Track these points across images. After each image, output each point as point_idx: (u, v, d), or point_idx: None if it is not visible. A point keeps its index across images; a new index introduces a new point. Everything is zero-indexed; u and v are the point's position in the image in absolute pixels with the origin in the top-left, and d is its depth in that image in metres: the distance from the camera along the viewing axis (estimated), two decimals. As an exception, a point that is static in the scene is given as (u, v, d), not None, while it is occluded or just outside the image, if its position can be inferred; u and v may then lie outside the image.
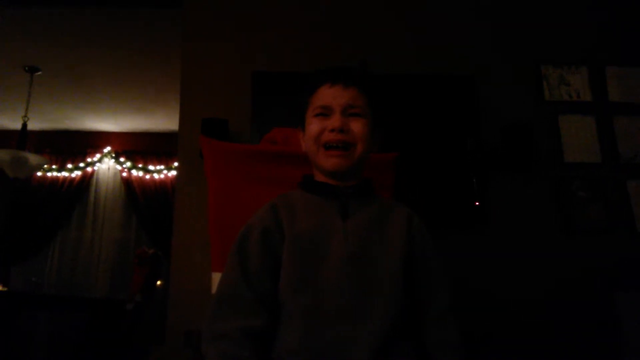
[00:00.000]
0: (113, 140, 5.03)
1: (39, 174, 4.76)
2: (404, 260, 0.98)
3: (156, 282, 4.02)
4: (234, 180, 1.36)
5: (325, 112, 1.03)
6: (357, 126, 1.02)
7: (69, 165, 4.85)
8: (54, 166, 4.82)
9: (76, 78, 3.90)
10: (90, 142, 4.99)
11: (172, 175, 4.77)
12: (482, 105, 2.27)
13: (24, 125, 3.79)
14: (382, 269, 0.95)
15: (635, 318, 2.02)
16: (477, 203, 2.12)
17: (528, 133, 2.21)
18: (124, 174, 4.87)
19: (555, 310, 2.07)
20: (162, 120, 4.68)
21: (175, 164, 4.12)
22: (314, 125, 1.04)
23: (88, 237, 4.81)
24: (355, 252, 0.96)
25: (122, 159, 4.89)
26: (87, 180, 4.88)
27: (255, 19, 2.42)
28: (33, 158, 3.65)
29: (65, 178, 4.83)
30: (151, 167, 4.86)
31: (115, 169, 4.94)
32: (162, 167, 4.86)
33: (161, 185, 4.81)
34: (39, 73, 3.74)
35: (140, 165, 4.87)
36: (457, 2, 2.47)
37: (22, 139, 3.74)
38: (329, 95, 1.03)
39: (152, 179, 4.83)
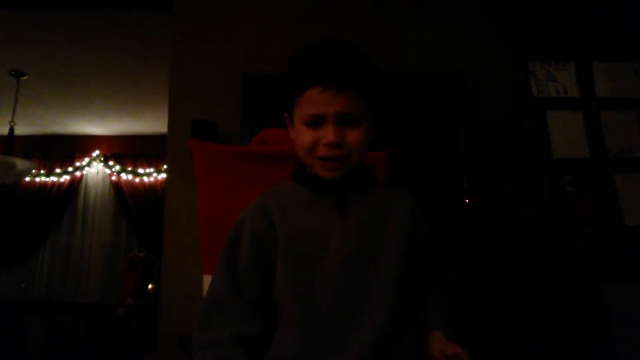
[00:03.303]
0: (102, 143, 4.98)
1: (27, 179, 4.71)
2: (404, 258, 0.92)
3: (148, 286, 4.00)
4: (225, 181, 1.35)
5: (316, 121, 0.89)
6: (353, 137, 0.89)
7: (58, 170, 4.80)
8: (42, 171, 4.76)
9: (63, 82, 3.85)
10: (78, 146, 4.94)
11: (162, 178, 4.73)
12: (472, 102, 2.28)
13: (11, 130, 3.74)
14: (381, 268, 0.90)
15: (625, 309, 2.04)
16: (467, 200, 2.13)
17: (520, 129, 2.22)
18: (113, 178, 4.83)
19: (547, 303, 2.08)
20: (151, 122, 4.64)
21: (165, 166, 4.10)
22: (305, 136, 0.91)
23: (78, 242, 4.76)
24: (353, 252, 0.89)
25: (111, 163, 4.85)
26: (76, 184, 4.83)
27: (244, 20, 2.41)
28: (21, 163, 3.61)
29: (54, 183, 4.77)
30: (141, 170, 4.82)
31: (105, 172, 4.89)
32: (152, 170, 4.82)
33: (151, 188, 4.78)
34: (25, 77, 3.70)
35: (129, 169, 4.83)
36: (446, 0, 2.48)
37: (10, 144, 3.70)
38: (320, 102, 0.87)
39: (142, 182, 4.79)
